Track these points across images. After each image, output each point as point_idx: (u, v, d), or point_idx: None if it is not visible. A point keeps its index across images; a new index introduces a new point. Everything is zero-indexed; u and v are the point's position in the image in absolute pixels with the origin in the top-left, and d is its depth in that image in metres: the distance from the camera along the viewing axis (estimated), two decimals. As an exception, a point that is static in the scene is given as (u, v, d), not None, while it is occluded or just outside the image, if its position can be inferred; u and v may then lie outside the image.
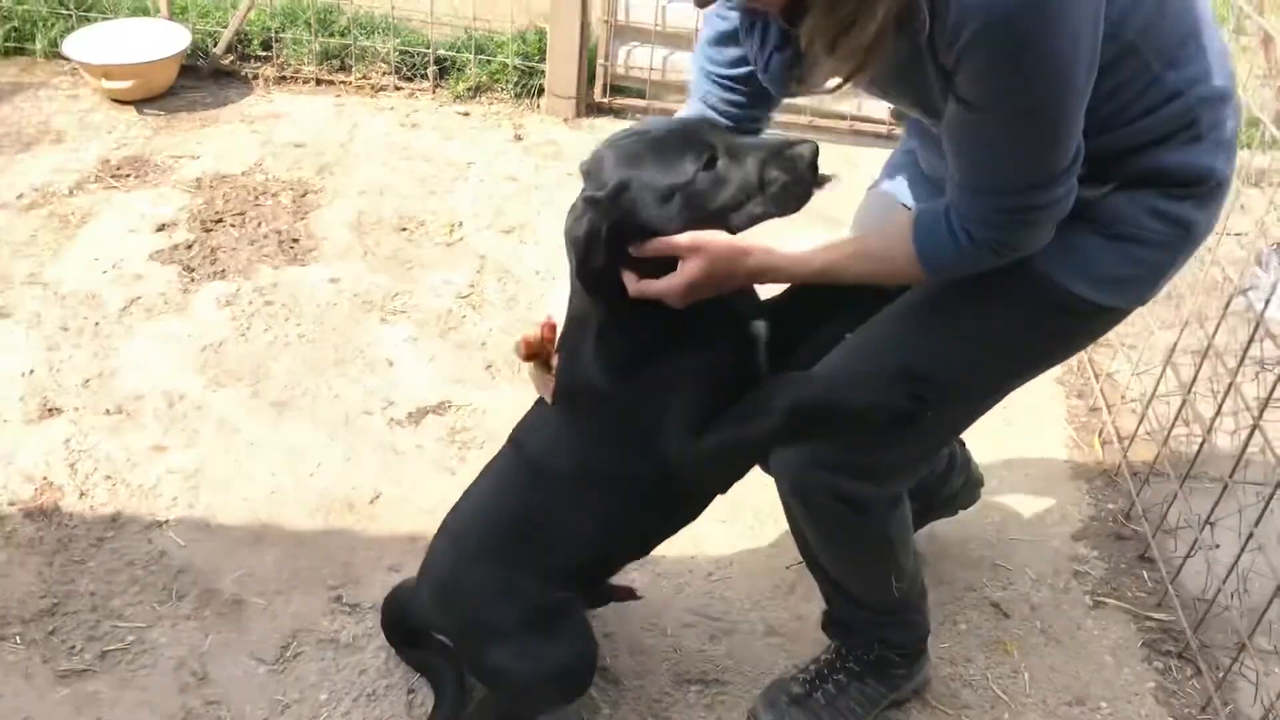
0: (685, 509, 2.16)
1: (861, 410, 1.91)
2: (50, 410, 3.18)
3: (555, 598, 2.18)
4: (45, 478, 2.95)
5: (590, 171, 1.92)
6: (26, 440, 3.07)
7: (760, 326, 2.05)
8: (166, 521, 2.86)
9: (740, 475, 2.12)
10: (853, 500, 2.06)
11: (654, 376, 1.99)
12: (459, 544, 2.27)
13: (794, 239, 1.92)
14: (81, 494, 2.91)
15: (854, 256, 1.90)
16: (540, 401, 2.16)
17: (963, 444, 2.78)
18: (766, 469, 2.17)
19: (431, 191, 4.43)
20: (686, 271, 1.85)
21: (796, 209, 1.88)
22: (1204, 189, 1.81)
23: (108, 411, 3.19)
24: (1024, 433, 3.40)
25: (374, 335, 3.60)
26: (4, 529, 2.79)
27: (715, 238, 1.85)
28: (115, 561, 2.73)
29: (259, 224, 4.10)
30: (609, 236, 1.84)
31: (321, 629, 2.61)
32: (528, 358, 2.10)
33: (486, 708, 2.34)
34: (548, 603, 2.18)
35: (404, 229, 4.17)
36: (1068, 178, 1.67)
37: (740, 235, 1.89)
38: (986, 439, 2.97)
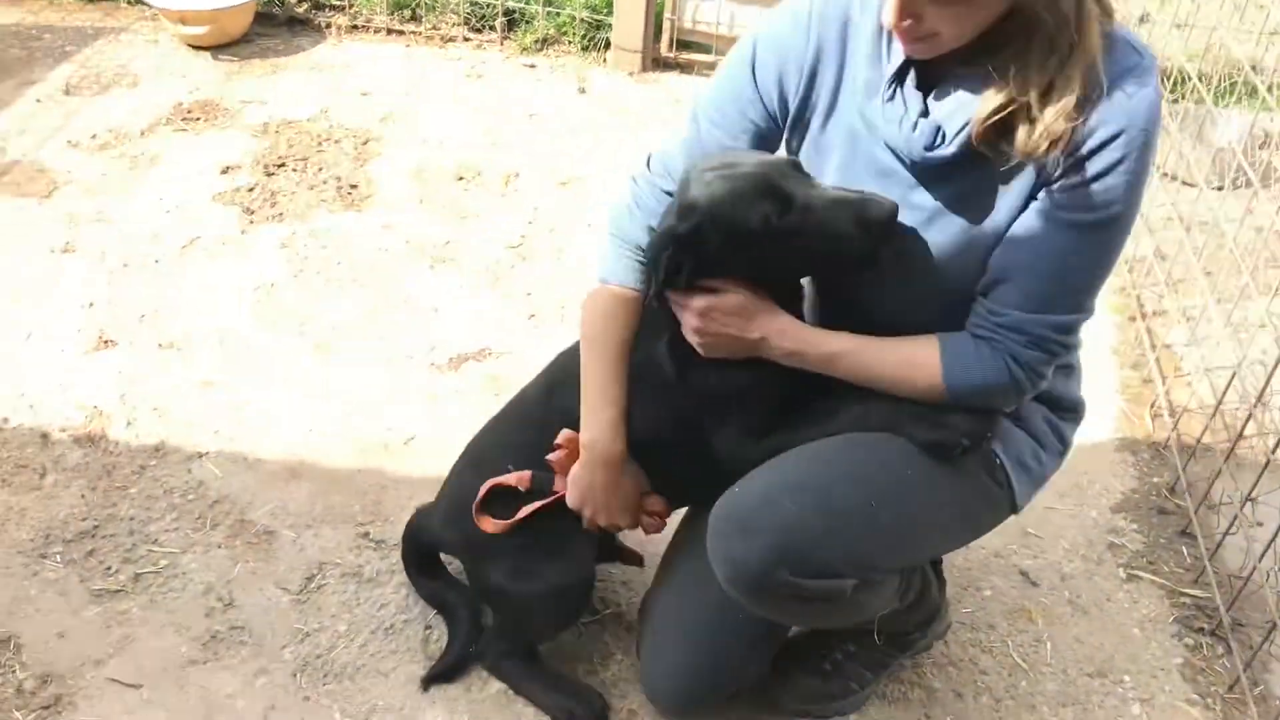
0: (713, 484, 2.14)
1: None
2: (106, 342, 3.29)
3: (557, 525, 2.23)
4: (96, 406, 3.05)
5: (678, 194, 1.95)
6: (82, 370, 3.18)
7: None
8: (207, 454, 2.94)
9: None
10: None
11: (718, 381, 2.04)
12: (473, 467, 2.34)
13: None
14: (129, 423, 3.01)
15: (869, 354, 1.91)
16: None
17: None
18: None
19: (493, 143, 4.46)
20: (696, 305, 1.92)
21: (864, 267, 1.90)
22: (1077, 415, 2.12)
23: (160, 346, 3.29)
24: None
25: (422, 282, 3.65)
26: (53, 453, 2.90)
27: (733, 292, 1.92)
28: (155, 489, 2.82)
29: (320, 169, 4.17)
30: (689, 270, 1.91)
31: (346, 563, 2.67)
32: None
33: (493, 640, 2.39)
34: (548, 528, 2.23)
35: (461, 178, 4.20)
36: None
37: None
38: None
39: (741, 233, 1.85)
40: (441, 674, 2.40)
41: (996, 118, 1.69)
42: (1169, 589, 2.78)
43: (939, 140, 1.79)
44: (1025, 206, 1.78)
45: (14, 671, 2.36)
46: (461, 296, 3.60)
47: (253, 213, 3.90)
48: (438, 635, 2.50)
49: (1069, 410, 2.12)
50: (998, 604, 2.71)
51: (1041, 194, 1.76)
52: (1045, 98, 1.67)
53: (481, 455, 2.36)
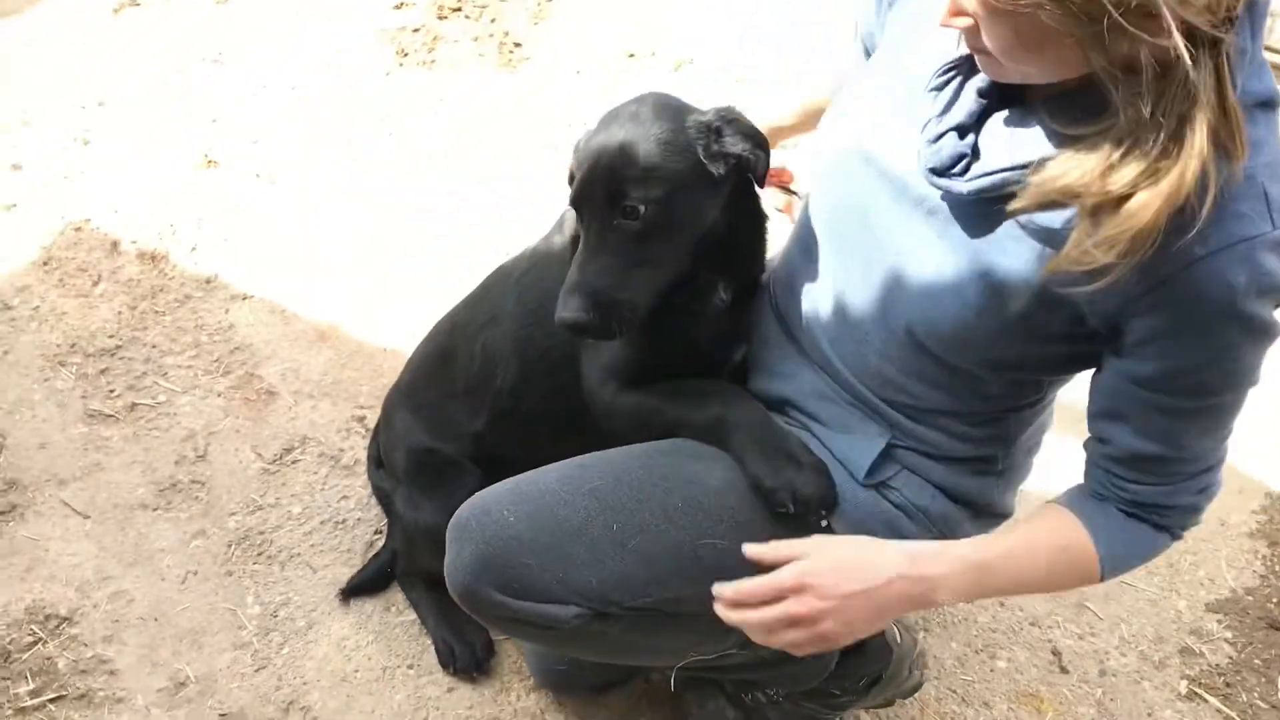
0: (583, 432, 1.86)
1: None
2: (210, 162, 3.28)
3: (439, 450, 2.11)
4: (171, 225, 3.05)
5: None
6: (175, 187, 3.19)
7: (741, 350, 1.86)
8: (250, 297, 2.89)
9: (640, 439, 1.79)
10: None
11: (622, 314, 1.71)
12: (396, 386, 2.30)
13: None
14: (193, 248, 3.00)
15: (1027, 575, 1.55)
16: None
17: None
18: None
19: (676, 22, 4.10)
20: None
21: None
22: (993, 520, 1.78)
23: (257, 176, 3.26)
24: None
25: (538, 157, 3.42)
26: (114, 263, 2.94)
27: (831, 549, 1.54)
28: (188, 321, 2.81)
29: (493, 20, 3.98)
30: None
31: (329, 444, 2.57)
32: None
33: (400, 560, 2.28)
34: (431, 455, 2.12)
35: (632, 55, 3.91)
36: None
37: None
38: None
39: None
40: (361, 585, 2.28)
41: (1057, 198, 1.31)
42: (1234, 722, 2.27)
43: (957, 168, 1.44)
44: (1022, 289, 1.42)
45: (-12, 471, 2.43)
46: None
47: (406, 55, 3.78)
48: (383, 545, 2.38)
49: (985, 514, 1.74)
50: (1007, 681, 2.29)
51: (1134, 364, 1.42)
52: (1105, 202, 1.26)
53: (409, 362, 2.31)
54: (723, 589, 1.50)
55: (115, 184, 3.17)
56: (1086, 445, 1.55)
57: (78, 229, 3.01)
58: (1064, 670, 2.32)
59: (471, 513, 1.62)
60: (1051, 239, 1.36)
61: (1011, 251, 1.41)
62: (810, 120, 1.90)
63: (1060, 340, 1.47)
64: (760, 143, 1.62)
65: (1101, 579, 1.54)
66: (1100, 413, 1.49)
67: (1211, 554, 2.58)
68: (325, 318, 2.87)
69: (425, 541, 2.09)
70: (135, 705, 2.07)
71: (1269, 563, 2.58)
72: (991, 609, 2.41)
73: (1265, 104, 1.31)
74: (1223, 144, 1.21)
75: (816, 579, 1.46)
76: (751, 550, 1.51)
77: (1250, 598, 2.50)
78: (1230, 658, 2.39)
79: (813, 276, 1.69)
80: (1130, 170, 1.23)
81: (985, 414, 1.64)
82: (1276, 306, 1.35)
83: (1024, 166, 1.35)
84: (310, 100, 3.57)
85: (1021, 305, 1.42)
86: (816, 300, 1.68)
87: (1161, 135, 1.20)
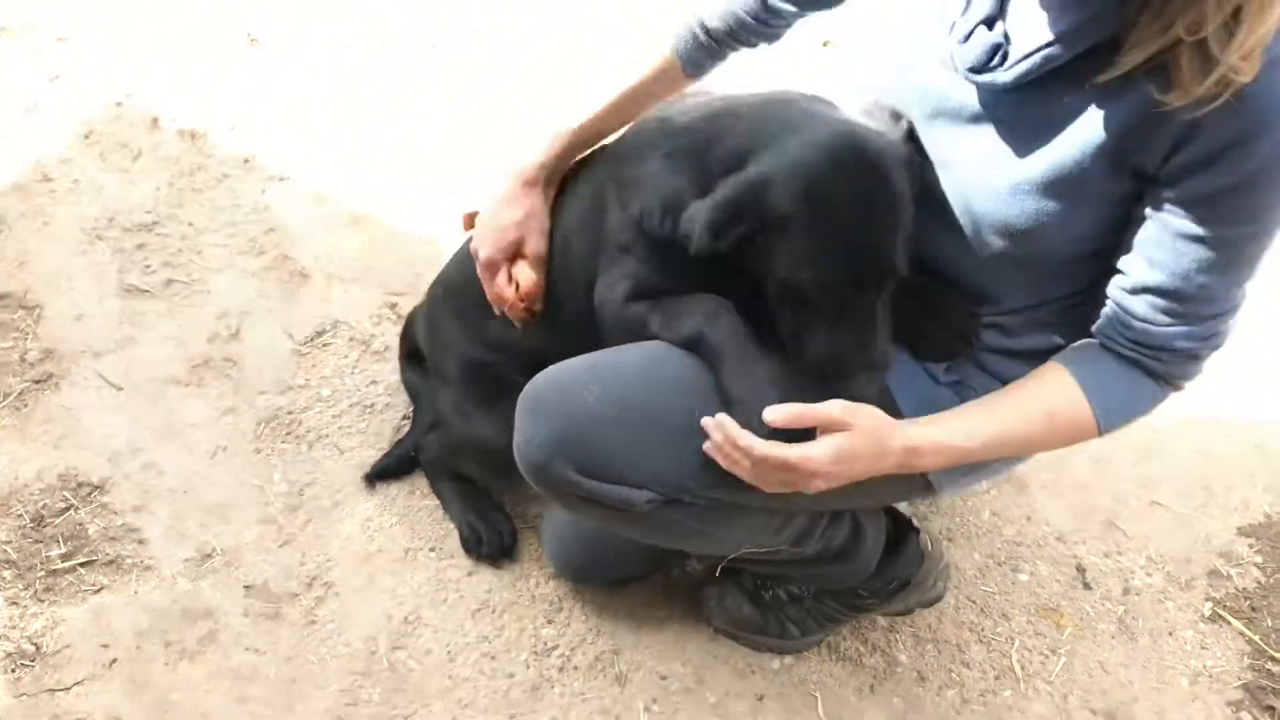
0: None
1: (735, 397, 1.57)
2: (253, 40, 3.25)
3: (493, 364, 2.05)
4: (213, 103, 3.03)
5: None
6: (216, 65, 3.16)
7: None
8: (288, 179, 2.88)
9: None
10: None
11: (645, 248, 1.69)
12: (441, 285, 2.22)
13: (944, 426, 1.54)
14: (233, 127, 2.98)
15: (1015, 435, 1.54)
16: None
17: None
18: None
19: None
20: (832, 443, 1.47)
21: None
22: None
23: (299, 56, 3.22)
24: (1261, 390, 2.68)
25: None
26: (155, 139, 2.92)
27: (867, 413, 1.48)
28: (225, 200, 2.80)
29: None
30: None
31: (360, 328, 2.57)
32: None
33: (431, 445, 2.26)
34: (485, 369, 2.07)
35: None
36: None
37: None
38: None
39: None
40: (385, 470, 2.30)
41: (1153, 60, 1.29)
42: (1257, 647, 2.24)
43: (995, 60, 1.41)
44: (1089, 163, 1.38)
45: (26, 339, 2.45)
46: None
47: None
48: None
49: None
50: (1028, 594, 2.28)
51: (1163, 189, 1.38)
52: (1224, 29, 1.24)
53: (446, 273, 2.22)
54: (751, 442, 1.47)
55: (157, 60, 3.14)
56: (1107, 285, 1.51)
57: (119, 104, 2.99)
58: (1087, 586, 2.30)
59: (548, 387, 1.60)
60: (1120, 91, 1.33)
61: (1072, 123, 1.37)
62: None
63: (1120, 203, 1.44)
64: None
65: (1100, 433, 1.54)
66: (1124, 248, 1.46)
67: (1247, 478, 2.53)
68: (361, 203, 2.85)
69: (473, 451, 2.11)
70: (162, 574, 2.12)
71: (1307, 489, 2.54)
72: (1018, 523, 2.39)
73: None
74: None
75: (824, 467, 1.46)
76: (774, 415, 1.47)
77: (1284, 523, 2.46)
78: (1258, 582, 2.36)
79: None
80: None
81: (1059, 302, 1.61)
82: None
83: (1058, 40, 1.33)
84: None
85: (1091, 173, 1.39)
86: None
87: None
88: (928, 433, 1.51)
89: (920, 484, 1.69)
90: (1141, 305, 1.45)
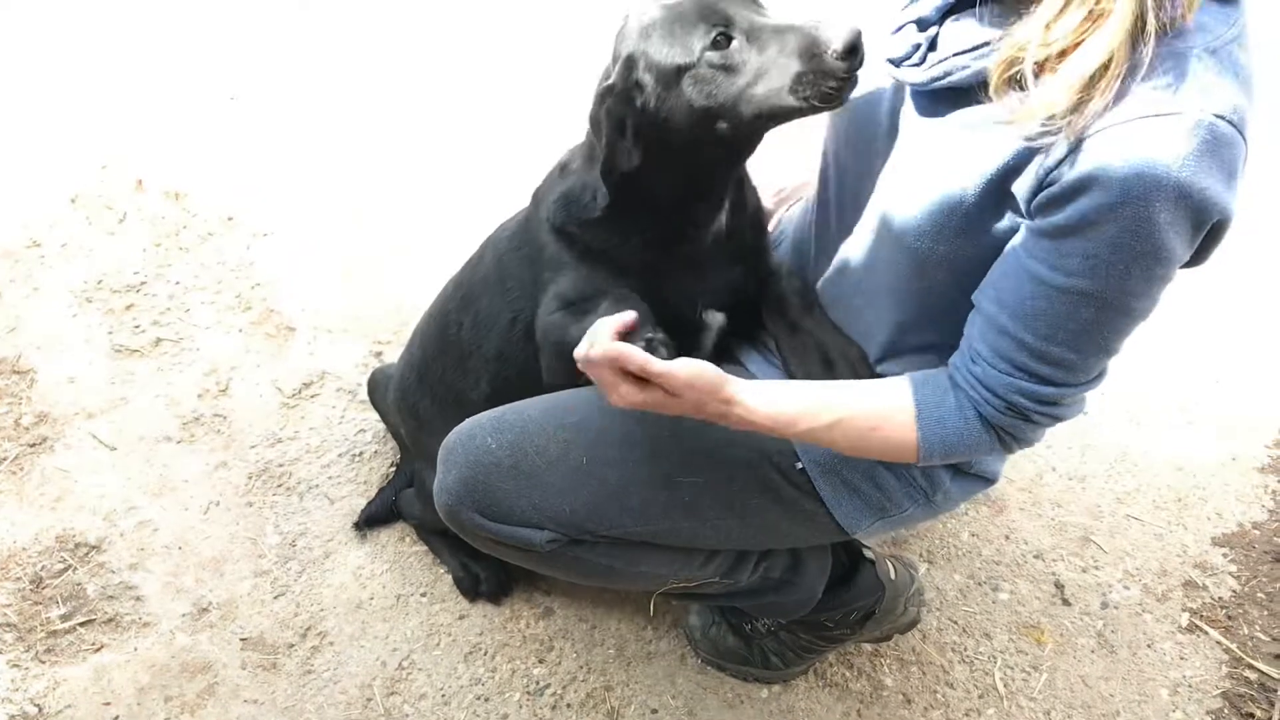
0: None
1: None
2: (233, 99, 3.32)
3: None
4: (194, 162, 3.10)
5: (615, 43, 1.63)
6: (200, 124, 3.23)
7: (716, 317, 1.78)
8: (270, 234, 2.94)
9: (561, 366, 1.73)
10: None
11: (572, 258, 1.75)
12: (414, 370, 2.18)
13: (778, 388, 1.55)
14: (216, 186, 3.05)
15: (837, 430, 1.53)
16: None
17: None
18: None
19: None
20: (662, 400, 1.49)
21: (824, 107, 1.49)
22: (975, 478, 1.76)
23: (280, 113, 3.29)
24: (1233, 402, 2.74)
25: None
26: (139, 200, 2.99)
27: (705, 373, 1.47)
28: (210, 257, 2.86)
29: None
30: (634, 129, 1.58)
31: (347, 379, 2.63)
32: None
33: (412, 500, 2.31)
34: None
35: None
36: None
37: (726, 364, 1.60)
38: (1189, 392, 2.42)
39: (673, 71, 1.52)
40: (375, 516, 2.35)
41: (1009, 71, 1.31)
42: (1235, 655, 2.29)
43: (913, 59, 1.45)
44: (1001, 181, 1.39)
45: (20, 404, 2.51)
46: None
47: (427, -12, 3.77)
48: (400, 475, 2.44)
49: (964, 470, 1.73)
50: (1008, 612, 2.33)
51: (1023, 223, 1.38)
52: (1046, 58, 1.26)
53: (414, 340, 2.23)
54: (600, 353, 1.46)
55: (140, 122, 3.21)
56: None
57: (104, 166, 3.06)
58: (1066, 602, 2.35)
59: (458, 439, 1.68)
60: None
61: (968, 141, 1.40)
62: None
63: (1002, 241, 1.43)
64: None
65: (917, 461, 1.52)
66: (985, 284, 1.45)
67: (1220, 489, 2.59)
68: (345, 255, 2.92)
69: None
70: (160, 629, 2.17)
71: (1278, 497, 2.59)
72: (996, 543, 2.44)
73: None
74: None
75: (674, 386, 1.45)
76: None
77: (1257, 532, 2.51)
78: (1234, 591, 2.41)
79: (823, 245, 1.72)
80: (1072, 19, 1.23)
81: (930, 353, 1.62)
82: (1184, 211, 1.25)
83: (975, 49, 1.36)
84: (337, 37, 3.58)
85: (976, 203, 1.41)
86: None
87: None
88: (751, 396, 1.51)
89: (829, 528, 1.73)
90: (984, 344, 1.44)
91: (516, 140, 3.26)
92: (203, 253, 2.88)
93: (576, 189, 1.72)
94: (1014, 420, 1.45)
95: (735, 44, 1.50)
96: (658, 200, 1.64)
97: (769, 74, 1.48)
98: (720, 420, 1.51)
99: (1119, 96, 1.23)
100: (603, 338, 1.43)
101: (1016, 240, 1.39)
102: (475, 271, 2.00)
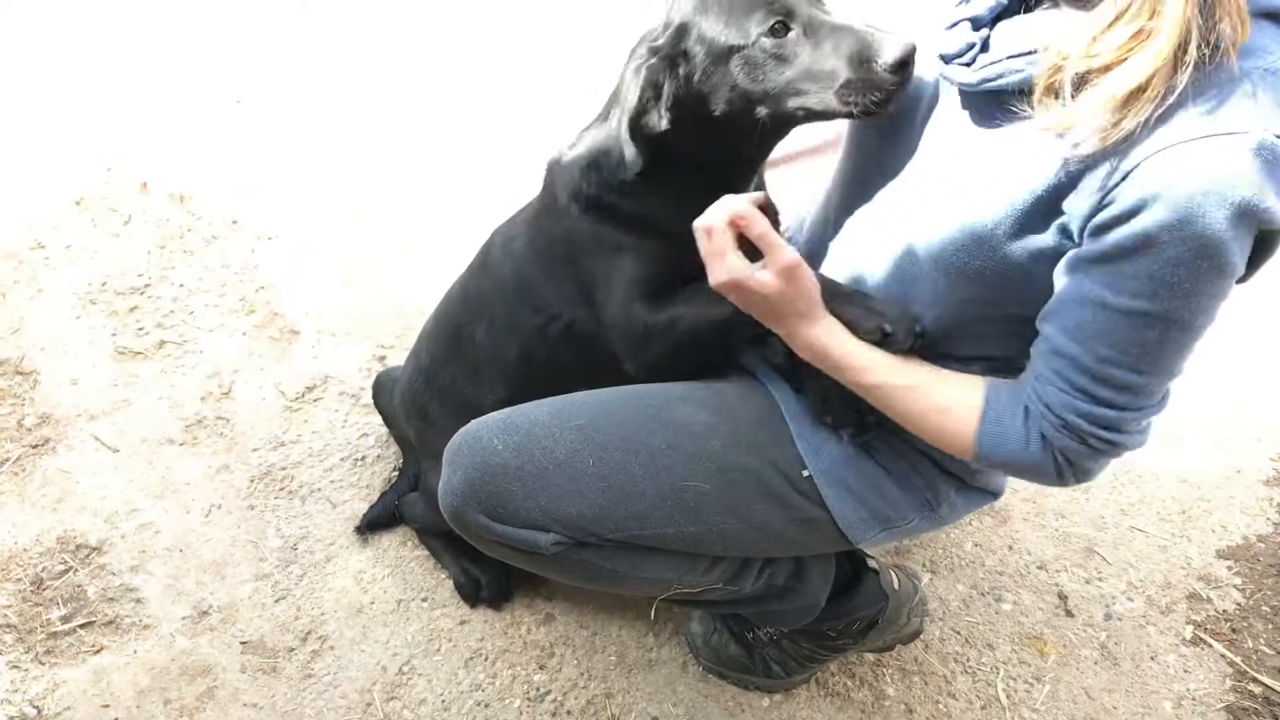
0: (602, 372, 1.84)
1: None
2: (238, 101, 3.32)
3: None
4: (199, 164, 3.10)
5: (668, 7, 1.63)
6: (205, 127, 3.23)
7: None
8: (274, 237, 2.94)
9: (678, 361, 1.78)
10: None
11: (618, 235, 1.73)
12: (422, 374, 2.18)
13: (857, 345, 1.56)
14: (221, 189, 3.05)
15: (908, 396, 1.54)
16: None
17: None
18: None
19: None
20: (762, 281, 1.50)
21: (866, 116, 1.51)
22: (979, 492, 1.78)
23: (285, 116, 3.29)
24: (1238, 414, 2.73)
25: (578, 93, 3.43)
26: (144, 203, 2.99)
27: (809, 275, 1.51)
28: (214, 260, 2.87)
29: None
30: (671, 95, 1.59)
31: (350, 382, 2.62)
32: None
33: (414, 503, 2.30)
34: None
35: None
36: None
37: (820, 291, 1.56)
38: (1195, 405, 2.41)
39: (725, 49, 1.54)
40: (376, 520, 2.35)
41: (1052, 79, 1.30)
42: (1239, 669, 2.28)
43: (965, 57, 1.43)
44: (1050, 197, 1.38)
45: (23, 405, 2.51)
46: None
47: (434, -6, 3.78)
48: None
49: (969, 484, 1.73)
50: (1011, 623, 2.32)
51: (1077, 246, 1.36)
52: (1088, 70, 1.26)
53: (420, 342, 2.23)
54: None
55: (146, 124, 3.22)
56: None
57: (108, 169, 3.07)
58: (1069, 614, 2.34)
59: (464, 439, 1.67)
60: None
61: (1012, 154, 1.39)
62: None
63: (1048, 259, 1.42)
64: None
65: (973, 458, 1.52)
66: (1046, 310, 1.44)
67: (1225, 501, 2.58)
68: (348, 258, 2.92)
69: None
70: (160, 632, 2.16)
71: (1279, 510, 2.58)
72: (1000, 553, 2.43)
73: (1274, 15, 1.27)
74: (1213, 10, 1.20)
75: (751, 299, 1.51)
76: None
77: (1262, 545, 2.50)
78: (1238, 604, 2.40)
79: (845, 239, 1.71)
80: (1119, 35, 1.23)
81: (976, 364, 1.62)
82: (1247, 228, 1.24)
83: (1025, 54, 1.34)
84: (340, 41, 3.59)
85: (1022, 213, 1.40)
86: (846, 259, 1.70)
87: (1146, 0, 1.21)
88: (829, 336, 1.53)
89: (833, 536, 1.73)
90: (1046, 367, 1.43)
91: (515, 140, 3.26)
92: (207, 255, 2.88)
93: (602, 149, 1.70)
94: (1071, 442, 1.43)
95: (792, 35, 1.52)
96: (685, 167, 1.65)
97: (818, 73, 1.50)
98: (789, 333, 1.54)
99: (1174, 116, 1.22)
100: (737, 202, 1.47)
101: (1073, 263, 1.37)
102: (484, 278, 1.99)
